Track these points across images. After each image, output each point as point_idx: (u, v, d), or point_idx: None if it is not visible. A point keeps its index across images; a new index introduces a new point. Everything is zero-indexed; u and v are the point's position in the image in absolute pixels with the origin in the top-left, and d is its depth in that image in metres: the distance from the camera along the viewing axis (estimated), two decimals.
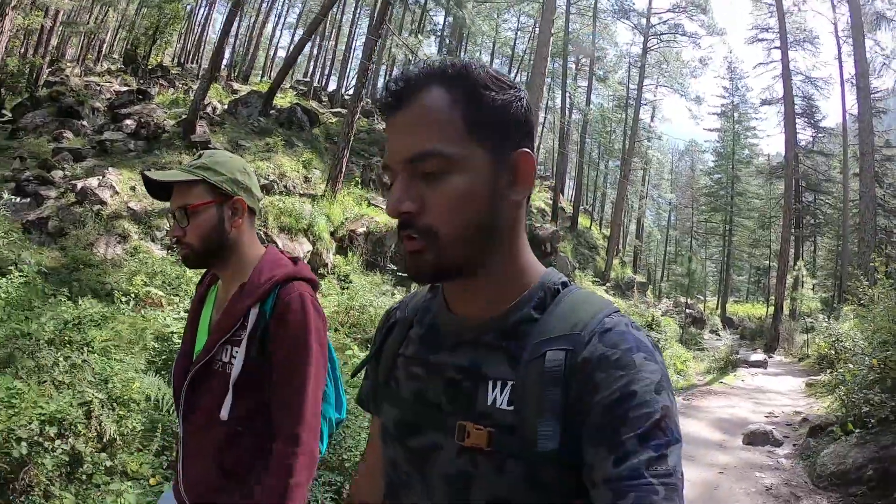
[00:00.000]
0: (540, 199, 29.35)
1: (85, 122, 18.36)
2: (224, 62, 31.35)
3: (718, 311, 35.81)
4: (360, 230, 15.68)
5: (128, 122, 18.06)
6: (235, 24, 35.07)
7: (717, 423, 8.21)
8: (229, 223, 1.66)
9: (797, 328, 19.43)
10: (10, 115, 18.42)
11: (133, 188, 13.04)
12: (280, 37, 33.97)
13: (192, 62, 31.37)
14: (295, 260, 1.74)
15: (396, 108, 0.86)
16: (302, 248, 13.85)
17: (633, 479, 0.71)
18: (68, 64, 26.42)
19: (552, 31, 20.45)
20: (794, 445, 6.97)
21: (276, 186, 16.49)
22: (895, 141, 26.61)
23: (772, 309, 31.62)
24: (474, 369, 0.88)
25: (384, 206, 15.74)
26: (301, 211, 14.86)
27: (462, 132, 0.84)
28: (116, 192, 12.85)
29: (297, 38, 31.18)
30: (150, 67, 26.56)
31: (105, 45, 29.45)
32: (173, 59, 30.81)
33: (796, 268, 21.45)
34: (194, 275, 12.14)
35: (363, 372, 1.14)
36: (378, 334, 1.11)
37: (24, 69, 22.29)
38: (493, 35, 30.87)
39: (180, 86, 24.64)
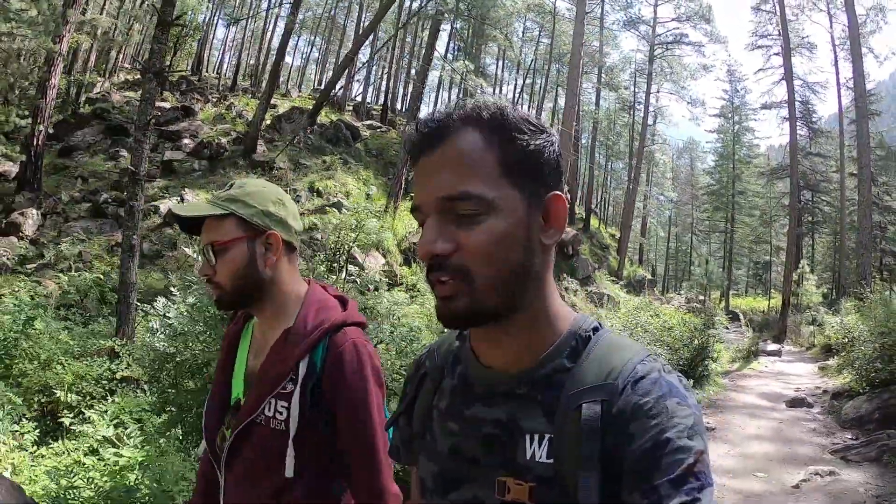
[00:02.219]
0: None
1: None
2: (240, 73, 33.85)
3: (722, 305, 39.74)
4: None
5: (185, 140, 20.17)
6: (240, 31, 37.53)
7: (762, 395, 11.62)
8: (262, 260, 1.59)
9: (802, 321, 23.13)
10: (49, 130, 19.02)
11: None
12: (277, 37, 36.11)
13: (207, 71, 33.66)
14: (343, 301, 1.69)
15: (429, 148, 0.90)
16: (377, 261, 16.40)
17: None
18: (98, 79, 28.33)
19: (580, 44, 23.57)
20: (822, 406, 10.39)
21: (343, 204, 18.58)
22: (888, 141, 30.72)
23: (773, 301, 35.76)
24: (511, 423, 0.92)
25: None
26: (371, 228, 17.80)
27: (496, 175, 0.87)
28: None
29: (291, 41, 33.77)
30: (173, 79, 27.73)
31: (122, 57, 31.23)
32: (190, 69, 32.77)
33: (800, 266, 25.19)
34: None
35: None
36: (409, 385, 1.15)
37: (68, 87, 23.35)
38: (506, 44, 34.09)
39: (212, 98, 26.90)
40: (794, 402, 10.60)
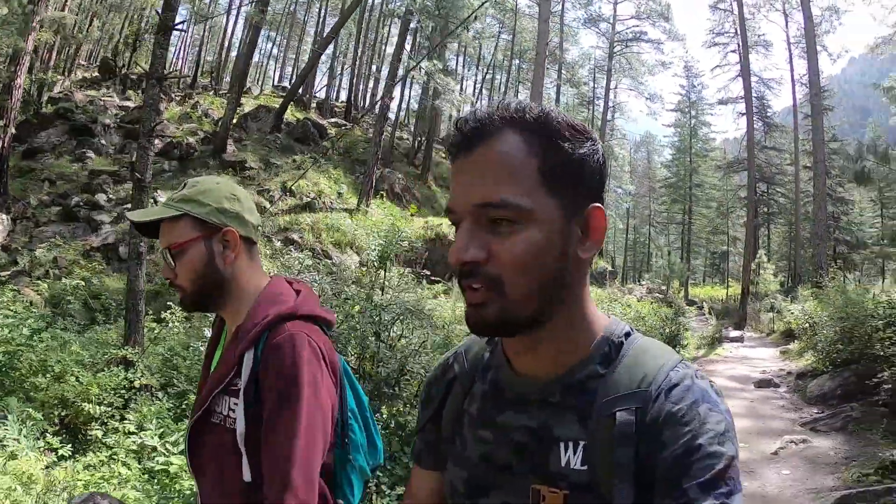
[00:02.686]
0: None
1: (104, 141, 19.67)
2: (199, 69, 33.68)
3: (682, 295, 41.21)
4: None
5: (155, 141, 20.28)
6: (199, 27, 37.25)
7: (731, 378, 12.46)
8: (221, 259, 1.58)
9: (761, 308, 24.35)
10: (13, 132, 18.51)
11: None
12: (238, 34, 35.85)
13: (168, 69, 33.35)
14: (299, 293, 1.64)
15: (468, 149, 0.88)
16: (352, 260, 16.84)
17: None
18: (58, 77, 27.72)
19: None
20: (788, 386, 11.27)
21: (317, 203, 19.34)
22: (840, 135, 32.36)
23: (732, 290, 37.26)
24: (544, 430, 0.93)
25: (407, 216, 19.31)
26: (345, 226, 18.09)
27: (536, 183, 0.86)
28: None
29: (248, 36, 33.85)
30: (133, 77, 27.16)
31: (79, 54, 30.57)
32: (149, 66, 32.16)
33: (758, 256, 26.44)
34: None
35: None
36: (434, 388, 1.15)
37: (30, 87, 22.65)
38: (468, 40, 34.71)
39: (175, 97, 26.54)
40: (762, 383, 11.46)
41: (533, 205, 0.85)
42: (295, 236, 17.06)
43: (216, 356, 1.69)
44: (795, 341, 15.85)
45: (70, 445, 5.32)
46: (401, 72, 21.29)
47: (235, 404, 1.46)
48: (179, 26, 8.96)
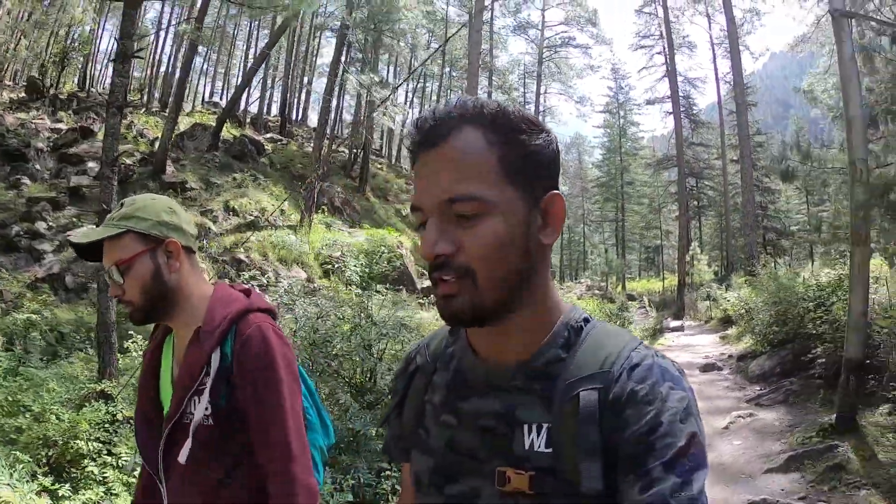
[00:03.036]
0: None
1: (38, 166, 18.74)
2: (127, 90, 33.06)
3: (619, 289, 42.62)
4: (337, 254, 18.76)
5: (90, 164, 18.84)
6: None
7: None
8: (166, 269, 1.66)
9: (698, 297, 25.63)
10: None
11: None
12: (167, 49, 35.28)
13: (94, 87, 32.38)
14: (248, 292, 1.76)
15: (429, 147, 0.92)
16: (299, 275, 16.59)
17: None
18: None
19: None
20: (730, 368, 12.13)
21: (260, 221, 19.21)
22: (764, 128, 34.32)
23: (667, 282, 38.81)
24: (508, 414, 0.95)
25: (346, 230, 19.61)
26: (291, 242, 18.04)
27: (498, 176, 0.90)
28: None
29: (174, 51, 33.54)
30: (62, 97, 26.50)
31: (3, 75, 29.32)
32: (77, 85, 31.14)
33: (691, 248, 27.79)
34: None
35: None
36: (399, 381, 1.18)
37: None
38: (400, 49, 35.21)
39: (97, 117, 25.68)
40: (706, 368, 12.29)
41: (497, 197, 0.89)
42: (242, 255, 16.90)
43: (164, 365, 1.76)
44: (733, 327, 16.88)
45: (68, 485, 5.21)
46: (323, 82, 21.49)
47: (208, 404, 1.55)
48: (139, 54, 9.12)
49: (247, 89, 31.56)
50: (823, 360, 8.47)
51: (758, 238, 25.59)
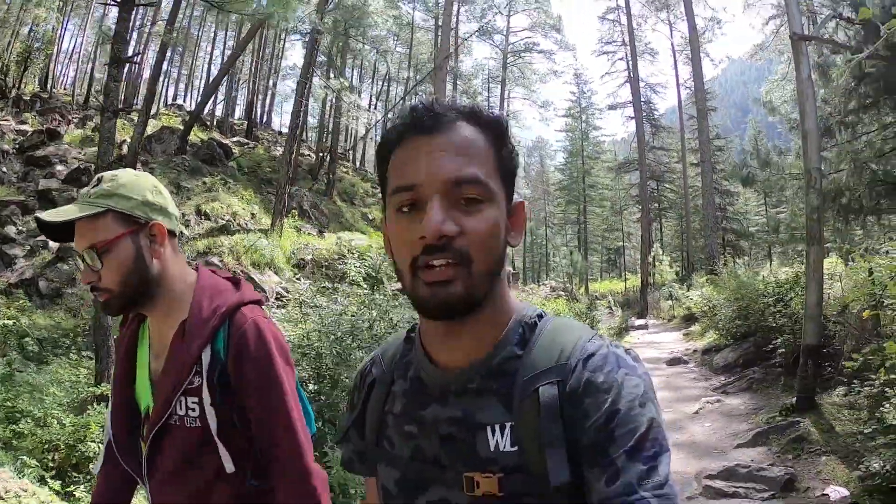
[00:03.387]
0: None
1: (4, 168, 18.44)
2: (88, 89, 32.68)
3: (582, 290, 43.66)
4: (308, 258, 19.03)
5: (58, 167, 18.91)
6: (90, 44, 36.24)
7: (644, 361, 14.15)
8: (150, 254, 1.54)
9: (660, 297, 26.61)
10: None
11: None
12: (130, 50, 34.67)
13: (56, 87, 31.94)
14: (236, 282, 1.67)
15: (429, 131, 0.93)
16: (271, 279, 16.84)
17: (626, 494, 0.80)
18: None
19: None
20: (696, 362, 12.91)
21: (232, 225, 19.14)
22: (723, 133, 35.65)
23: (629, 283, 39.95)
24: (469, 418, 0.95)
25: (315, 234, 19.89)
26: (263, 246, 17.88)
27: (494, 170, 0.94)
28: None
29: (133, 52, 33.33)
30: (26, 98, 26.21)
31: None
32: (39, 85, 30.60)
33: (653, 249, 28.78)
34: None
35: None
36: (356, 395, 1.18)
37: None
38: (377, 57, 35.64)
39: (73, 119, 25.35)
40: (673, 362, 13.06)
41: (496, 188, 0.93)
42: (215, 259, 16.79)
43: (140, 357, 1.65)
44: (696, 323, 17.77)
45: (83, 486, 5.32)
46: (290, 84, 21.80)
47: (195, 402, 1.47)
48: (135, 58, 9.47)
49: (216, 93, 31.64)
50: (783, 350, 9.22)
51: (718, 239, 26.71)
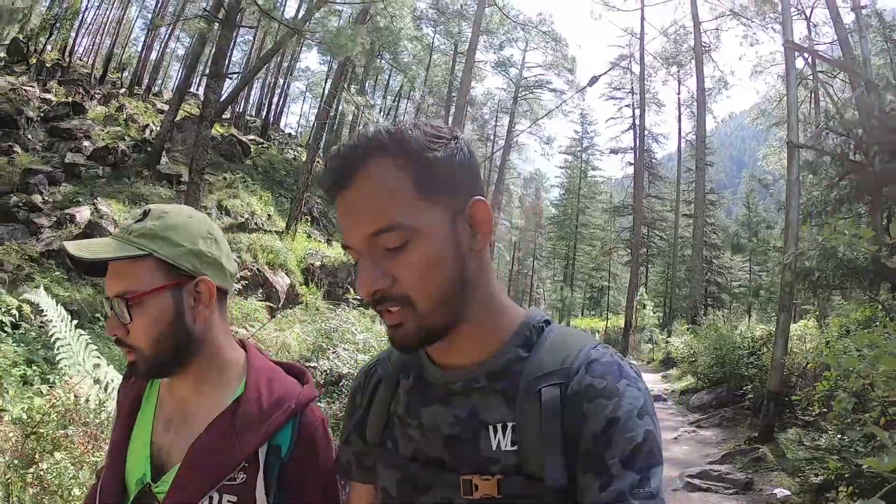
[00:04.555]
0: None
1: (30, 136, 18.77)
2: (113, 67, 33.69)
3: (564, 324, 45.52)
4: (317, 263, 20.12)
5: (85, 143, 19.43)
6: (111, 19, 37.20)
7: None
8: (192, 315, 1.30)
9: (641, 340, 28.63)
10: None
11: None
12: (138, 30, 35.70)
13: (74, 58, 32.45)
14: (298, 374, 1.45)
15: (343, 186, 0.93)
16: (283, 281, 18.07)
17: (618, 502, 0.83)
18: None
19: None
20: (674, 400, 14.82)
21: (249, 223, 20.38)
22: (718, 187, 38.10)
23: (611, 322, 42.03)
24: (472, 418, 0.99)
25: (324, 241, 21.53)
26: (278, 248, 19.16)
27: (414, 198, 0.92)
28: (116, 225, 13.54)
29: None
30: (48, 65, 26.63)
31: None
32: (61, 53, 30.69)
33: (640, 293, 30.85)
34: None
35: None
36: (359, 395, 1.19)
37: None
38: (407, 81, 37.53)
39: (95, 95, 25.22)
40: (653, 399, 15.08)
41: (418, 220, 0.92)
42: (234, 256, 18.13)
43: (143, 419, 1.38)
44: (675, 367, 19.66)
45: None
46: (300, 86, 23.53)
47: (231, 501, 1.25)
48: (231, 74, 11.16)
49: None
50: (752, 395, 11.10)
51: (701, 290, 28.84)
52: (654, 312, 31.74)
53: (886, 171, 8.48)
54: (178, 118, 25.46)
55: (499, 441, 0.96)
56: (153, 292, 1.25)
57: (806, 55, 14.94)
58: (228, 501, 1.25)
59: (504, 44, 38.98)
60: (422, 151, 0.94)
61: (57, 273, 12.28)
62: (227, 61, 10.47)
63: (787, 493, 6.46)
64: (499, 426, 0.96)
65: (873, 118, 8.75)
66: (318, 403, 1.48)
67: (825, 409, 6.64)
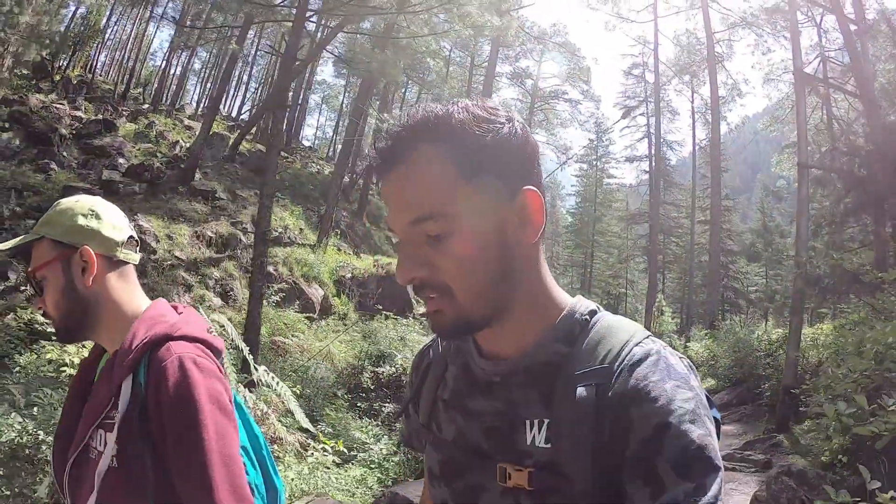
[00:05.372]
0: None
1: (65, 154, 19.28)
2: (132, 84, 34.63)
3: None
4: (348, 276, 20.76)
5: (120, 160, 20.03)
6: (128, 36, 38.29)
7: None
8: (80, 281, 1.53)
9: None
10: None
11: (169, 237, 14.85)
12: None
13: (101, 74, 32.79)
14: (182, 313, 1.62)
15: (387, 171, 0.95)
16: (318, 293, 18.85)
17: None
18: None
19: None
20: None
21: (283, 238, 21.00)
22: (732, 194, 39.12)
23: None
24: (511, 411, 1.00)
25: (351, 253, 22.56)
26: (311, 261, 19.97)
27: (457, 184, 0.92)
28: (158, 240, 14.38)
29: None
30: (74, 82, 26.80)
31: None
32: (85, 70, 31.38)
33: (657, 300, 31.96)
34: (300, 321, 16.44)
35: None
36: (415, 375, 1.26)
37: None
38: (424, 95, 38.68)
39: (124, 112, 25.60)
40: None
41: (461, 209, 0.92)
42: (271, 269, 17.83)
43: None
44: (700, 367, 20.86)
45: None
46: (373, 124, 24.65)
47: (110, 438, 1.39)
48: (294, 147, 12.30)
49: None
50: (769, 393, 12.29)
51: (718, 296, 29.92)
52: (671, 318, 32.76)
53: (888, 186, 9.64)
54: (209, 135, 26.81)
55: (534, 436, 0.97)
56: (46, 265, 1.53)
57: (817, 76, 16.14)
58: (108, 438, 1.41)
59: (520, 55, 40.20)
60: (469, 136, 0.93)
61: None
62: (289, 94, 11.50)
63: (800, 467, 7.65)
64: (535, 422, 0.97)
65: (877, 137, 9.92)
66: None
67: (830, 398, 7.83)
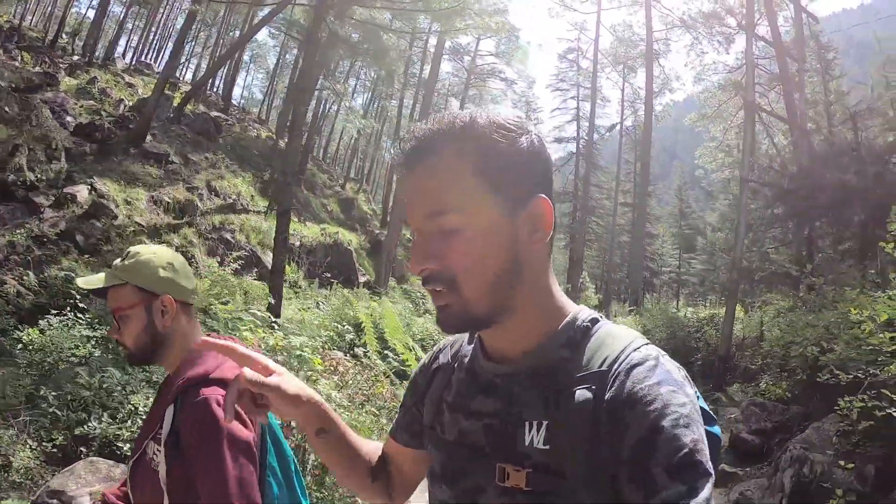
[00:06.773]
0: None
1: (7, 109, 16.96)
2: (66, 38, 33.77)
3: None
4: (297, 244, 21.50)
5: (67, 118, 19.23)
6: None
7: None
8: (160, 322, 1.90)
9: None
10: None
11: (127, 201, 14.51)
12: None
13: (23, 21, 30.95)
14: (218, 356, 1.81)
15: (410, 168, 1.04)
16: (271, 260, 18.07)
17: None
18: None
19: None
20: None
21: (237, 205, 21.51)
22: (652, 180, 42.67)
23: None
24: (511, 412, 1.05)
25: (297, 220, 24.04)
26: (265, 229, 20.41)
27: (473, 185, 1.00)
28: (117, 205, 14.04)
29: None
30: (6, 28, 26.10)
31: None
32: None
33: (581, 277, 35.12)
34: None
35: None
36: (421, 376, 1.34)
37: None
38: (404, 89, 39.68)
39: (62, 66, 24.80)
40: None
41: (473, 208, 1.00)
42: (228, 236, 18.78)
43: None
44: None
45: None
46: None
47: (158, 450, 1.73)
48: (310, 128, 13.49)
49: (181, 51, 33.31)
50: (700, 362, 15.16)
51: (640, 276, 33.13)
52: (595, 295, 35.98)
53: (808, 199, 12.54)
54: (147, 95, 26.45)
55: (532, 437, 1.01)
56: (131, 308, 1.89)
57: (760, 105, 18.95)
58: (157, 451, 1.73)
59: (458, 32, 41.84)
60: (490, 142, 1.02)
61: (75, 255, 12.06)
62: (310, 77, 12.13)
63: (732, 415, 10.48)
64: (535, 423, 1.01)
65: (802, 160, 12.81)
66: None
67: (761, 367, 10.63)
